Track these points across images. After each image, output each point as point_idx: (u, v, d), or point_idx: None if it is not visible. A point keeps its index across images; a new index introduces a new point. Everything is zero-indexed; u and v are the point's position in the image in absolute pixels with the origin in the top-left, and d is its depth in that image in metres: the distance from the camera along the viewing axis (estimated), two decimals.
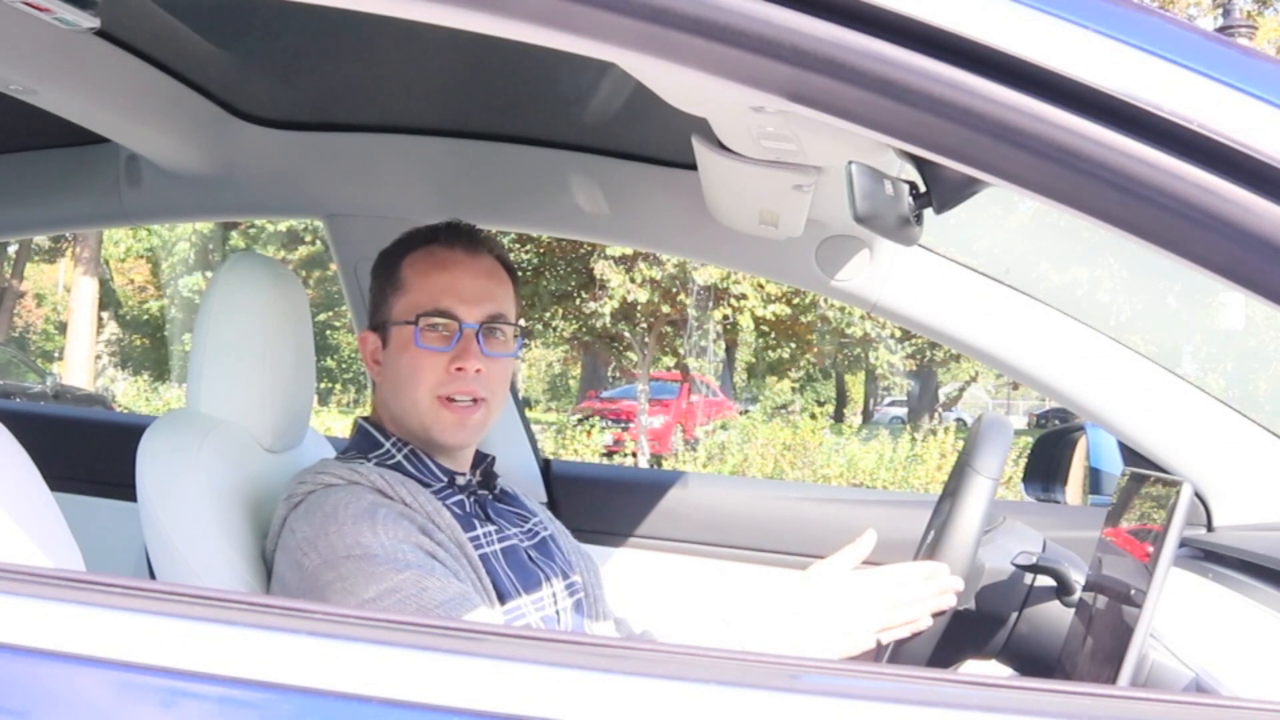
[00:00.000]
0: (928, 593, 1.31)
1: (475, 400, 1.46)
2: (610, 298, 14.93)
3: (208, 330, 1.49)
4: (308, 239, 20.98)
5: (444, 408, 1.45)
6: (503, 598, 1.38)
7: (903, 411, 25.04)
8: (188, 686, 0.73)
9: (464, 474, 1.51)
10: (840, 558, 1.34)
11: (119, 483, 1.57)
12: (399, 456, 1.47)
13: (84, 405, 15.16)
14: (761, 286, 15.33)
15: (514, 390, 2.23)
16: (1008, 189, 0.80)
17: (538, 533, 1.55)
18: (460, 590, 1.29)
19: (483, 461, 1.55)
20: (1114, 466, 2.07)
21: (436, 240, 1.50)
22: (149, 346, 25.94)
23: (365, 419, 1.53)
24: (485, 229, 1.56)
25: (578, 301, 16.14)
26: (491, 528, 1.47)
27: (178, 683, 0.73)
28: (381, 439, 1.49)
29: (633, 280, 14.77)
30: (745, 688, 0.73)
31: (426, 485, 1.43)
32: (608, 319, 15.50)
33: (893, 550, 1.97)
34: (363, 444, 1.50)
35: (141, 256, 25.13)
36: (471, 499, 1.49)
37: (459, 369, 1.44)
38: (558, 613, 1.45)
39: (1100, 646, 1.17)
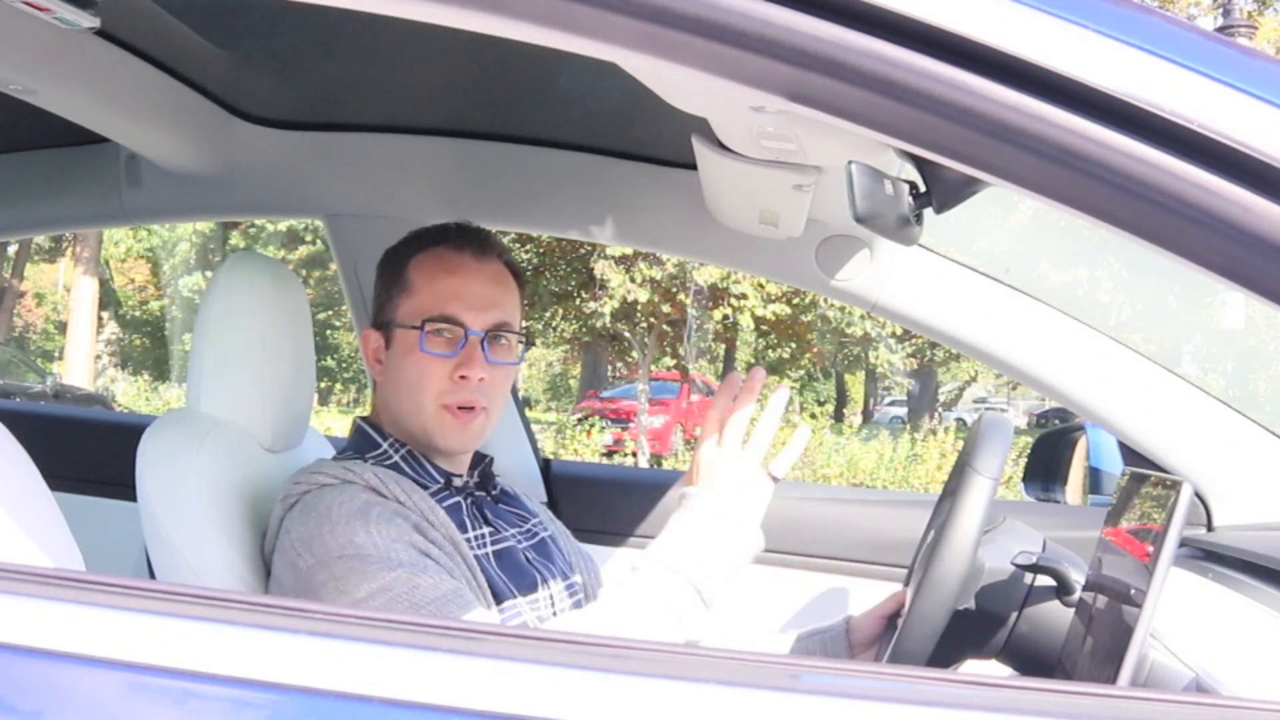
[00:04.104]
0: (746, 412, 1.29)
1: (476, 408, 1.45)
2: (610, 298, 14.93)
3: (208, 330, 1.49)
4: (308, 239, 20.99)
5: (446, 414, 1.44)
6: (498, 599, 1.38)
7: (903, 411, 25.04)
8: (188, 686, 0.73)
9: (461, 476, 1.50)
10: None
11: (119, 483, 1.57)
12: (396, 458, 1.47)
13: (84, 405, 15.16)
14: (761, 286, 15.33)
15: (514, 390, 2.23)
16: (1008, 189, 0.80)
17: (537, 533, 1.55)
18: (453, 587, 1.29)
19: (480, 462, 1.55)
20: (1114, 466, 2.07)
21: (445, 242, 1.48)
22: (149, 346, 25.96)
23: (364, 419, 1.53)
24: (490, 231, 1.56)
25: (578, 301, 16.14)
26: (487, 530, 1.46)
27: (178, 682, 0.73)
28: (379, 439, 1.48)
29: (633, 280, 14.77)
30: (745, 688, 0.73)
31: (424, 487, 1.43)
32: (608, 319, 15.51)
33: (893, 550, 1.99)
34: (360, 444, 1.49)
35: (141, 256, 25.14)
36: (469, 501, 1.48)
37: (462, 377, 1.43)
38: (555, 614, 1.45)
39: (1100, 646, 1.17)
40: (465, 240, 1.49)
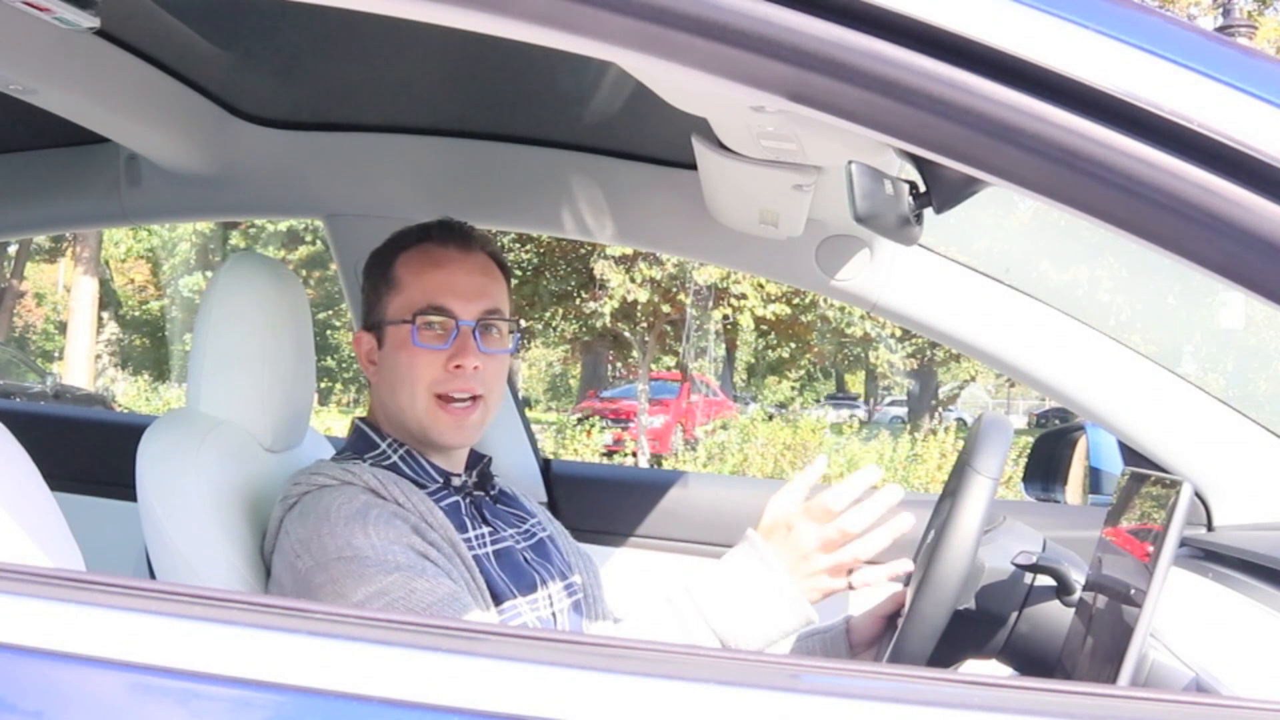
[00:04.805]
0: (871, 518, 1.32)
1: (473, 398, 1.46)
2: (610, 298, 14.93)
3: (208, 330, 1.49)
4: (308, 239, 20.99)
5: (441, 408, 1.45)
6: (497, 599, 1.38)
7: (903, 411, 25.05)
8: (188, 686, 0.73)
9: (459, 475, 1.51)
10: (782, 499, 1.36)
11: (119, 483, 1.57)
12: (394, 457, 1.47)
13: (84, 405, 15.16)
14: (761, 286, 15.34)
15: (514, 390, 2.23)
16: (1008, 189, 0.80)
17: (535, 534, 1.55)
18: (450, 590, 1.29)
19: (479, 462, 1.55)
20: (1114, 466, 2.07)
21: (429, 238, 1.50)
22: (149, 346, 25.95)
23: (362, 419, 1.53)
24: (479, 227, 1.57)
25: (578, 301, 16.14)
26: (485, 529, 1.46)
27: (178, 682, 0.73)
28: (377, 439, 1.49)
29: (633, 280, 14.77)
30: (745, 688, 0.73)
31: (422, 486, 1.43)
32: (608, 319, 15.51)
33: (893, 550, 1.98)
34: (359, 445, 1.50)
35: (141, 256, 25.14)
36: (467, 500, 1.49)
37: (457, 366, 1.44)
38: (554, 614, 1.45)
39: (1100, 646, 1.17)
40: (449, 235, 1.51)
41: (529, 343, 20.13)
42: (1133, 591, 1.09)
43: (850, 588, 1.35)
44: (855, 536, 1.33)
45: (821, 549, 1.32)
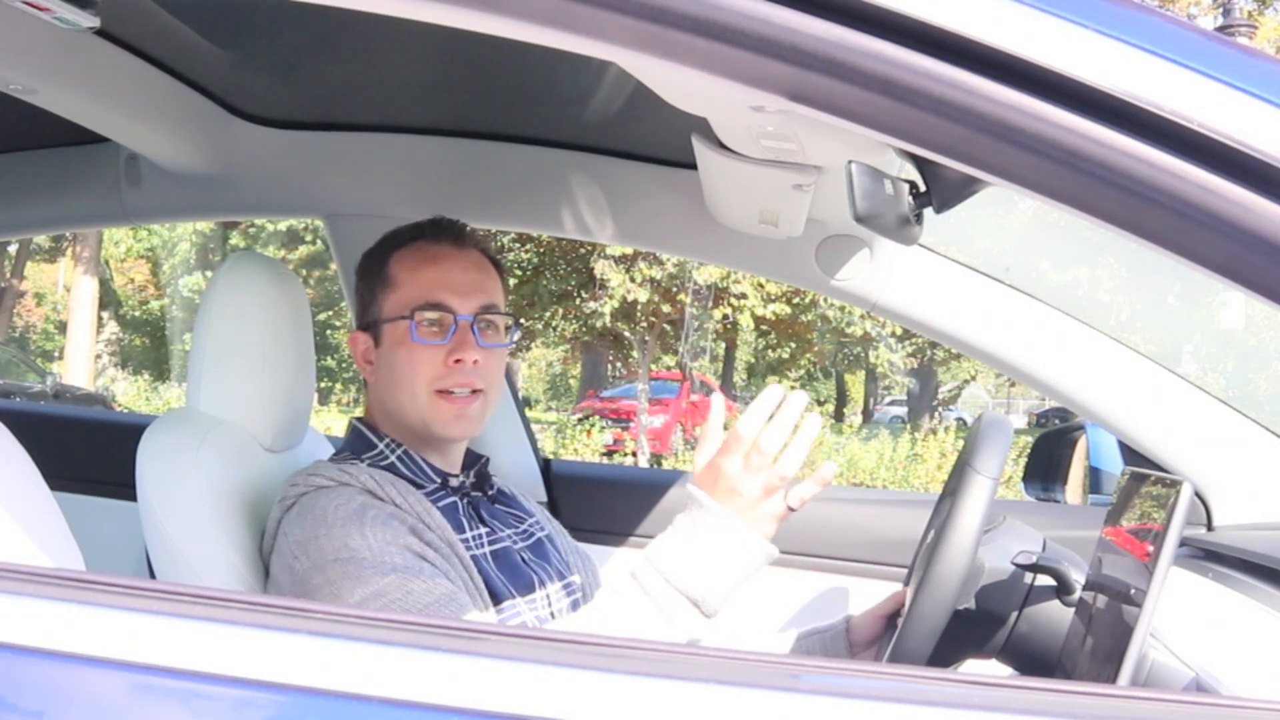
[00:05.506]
0: (784, 430, 1.27)
1: (474, 391, 1.46)
2: (610, 297, 14.93)
3: (208, 330, 1.49)
4: (308, 239, 20.99)
5: (442, 400, 1.45)
6: (496, 599, 1.38)
7: (903, 411, 25.05)
8: (188, 686, 0.73)
9: (457, 475, 1.50)
10: (703, 450, 1.31)
11: (119, 483, 1.57)
12: (392, 458, 1.47)
13: (84, 405, 15.16)
14: (761, 286, 15.34)
15: (514, 389, 2.23)
16: (1008, 189, 0.80)
17: (533, 534, 1.55)
18: (448, 591, 1.29)
19: (476, 462, 1.55)
20: (1114, 466, 2.07)
21: (423, 236, 1.51)
22: (149, 346, 25.95)
23: (359, 420, 1.53)
24: (480, 227, 1.57)
25: (578, 301, 16.14)
26: (483, 529, 1.46)
27: (178, 682, 0.73)
28: (375, 440, 1.49)
29: (633, 280, 14.77)
30: (745, 688, 0.73)
31: (420, 487, 1.43)
32: (608, 319, 15.51)
33: (893, 550, 1.98)
34: (356, 445, 1.50)
35: (141, 256, 25.15)
36: (465, 500, 1.49)
37: (457, 361, 1.44)
38: (553, 614, 1.45)
39: (1100, 646, 1.17)
40: (442, 232, 1.51)
41: (529, 343, 20.13)
42: (1133, 591, 1.09)
43: (790, 509, 1.31)
44: (777, 455, 1.28)
45: (749, 475, 1.25)
